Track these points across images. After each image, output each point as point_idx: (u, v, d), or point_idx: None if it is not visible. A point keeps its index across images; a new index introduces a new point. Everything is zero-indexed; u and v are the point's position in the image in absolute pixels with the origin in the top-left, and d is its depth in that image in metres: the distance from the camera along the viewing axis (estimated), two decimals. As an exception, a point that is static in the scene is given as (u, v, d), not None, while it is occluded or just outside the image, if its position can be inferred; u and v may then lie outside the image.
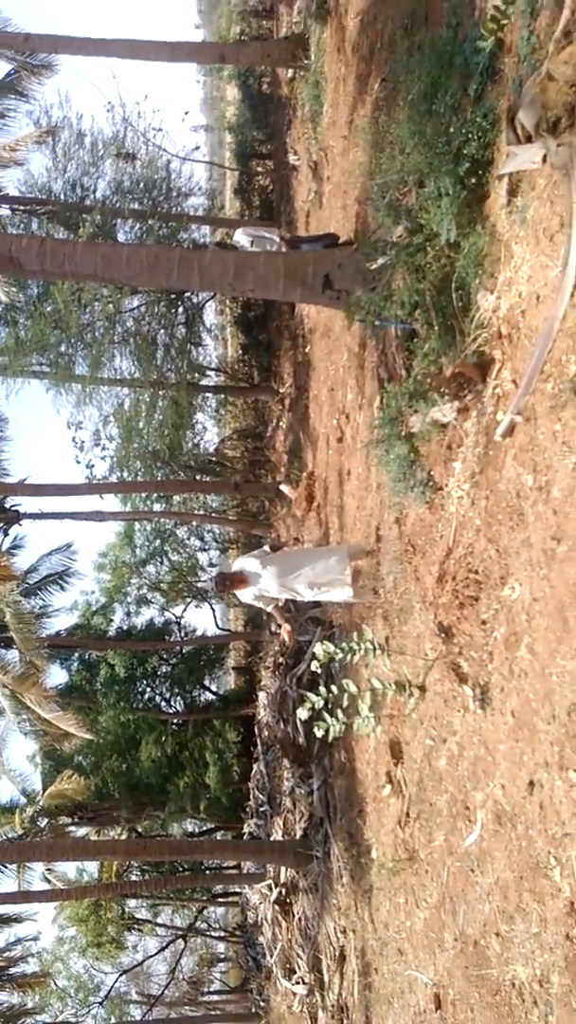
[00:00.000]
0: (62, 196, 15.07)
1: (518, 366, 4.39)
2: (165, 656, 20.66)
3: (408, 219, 5.41)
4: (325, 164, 11.65)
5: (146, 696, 20.18)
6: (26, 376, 14.38)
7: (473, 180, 4.78)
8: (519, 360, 4.39)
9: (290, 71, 15.50)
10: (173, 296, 14.96)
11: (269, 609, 7.40)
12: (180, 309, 15.06)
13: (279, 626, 7.62)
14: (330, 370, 10.52)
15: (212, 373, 18.41)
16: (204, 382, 17.37)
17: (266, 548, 7.67)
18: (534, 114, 4.00)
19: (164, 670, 20.61)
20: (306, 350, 12.71)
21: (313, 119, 12.75)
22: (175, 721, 19.81)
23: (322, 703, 5.11)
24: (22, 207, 15.14)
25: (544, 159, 4.08)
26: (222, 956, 29.30)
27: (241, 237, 9.95)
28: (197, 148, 18.49)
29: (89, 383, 14.23)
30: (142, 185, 15.35)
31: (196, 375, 16.29)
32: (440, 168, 4.82)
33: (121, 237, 14.54)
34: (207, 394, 17.79)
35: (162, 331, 14.84)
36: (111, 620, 21.29)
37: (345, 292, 5.99)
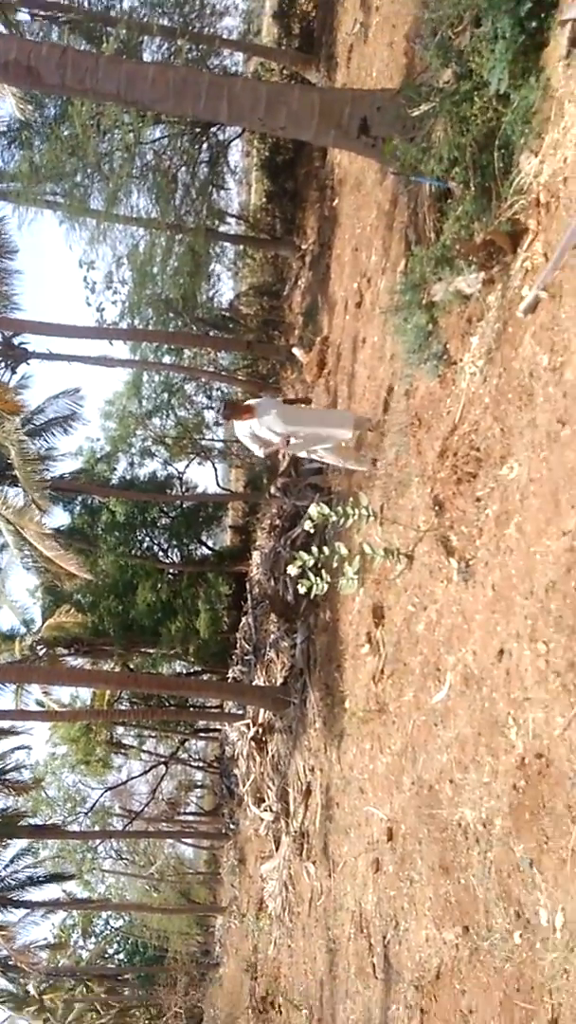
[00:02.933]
0: (86, 3, 13.72)
1: (551, 238, 4.20)
2: (165, 509, 21.07)
3: (458, 63, 4.97)
4: (376, -10, 10.53)
5: (144, 545, 20.74)
6: (39, 205, 13.69)
7: (534, 23, 4.35)
8: (553, 232, 4.20)
9: None
10: (198, 130, 13.99)
11: (261, 453, 7.25)
12: (204, 146, 14.11)
13: (276, 452, 7.35)
14: (356, 228, 10.03)
15: (232, 221, 17.53)
16: (223, 229, 16.58)
17: (279, 399, 7.58)
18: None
19: (163, 522, 21.07)
20: (333, 204, 12.04)
21: None
22: (171, 571, 20.49)
23: (312, 562, 5.29)
24: (42, 13, 13.82)
25: (615, 3, 3.71)
26: (199, 783, 31.97)
27: None
28: (236, -40, 16.58)
29: (104, 219, 13.57)
30: (173, -1, 13.95)
31: (216, 221, 15.51)
32: (500, 5, 4.38)
33: (147, 57, 13.38)
34: (225, 243, 17.02)
35: (183, 168, 13.98)
36: (114, 469, 21.52)
37: (382, 139, 5.61)
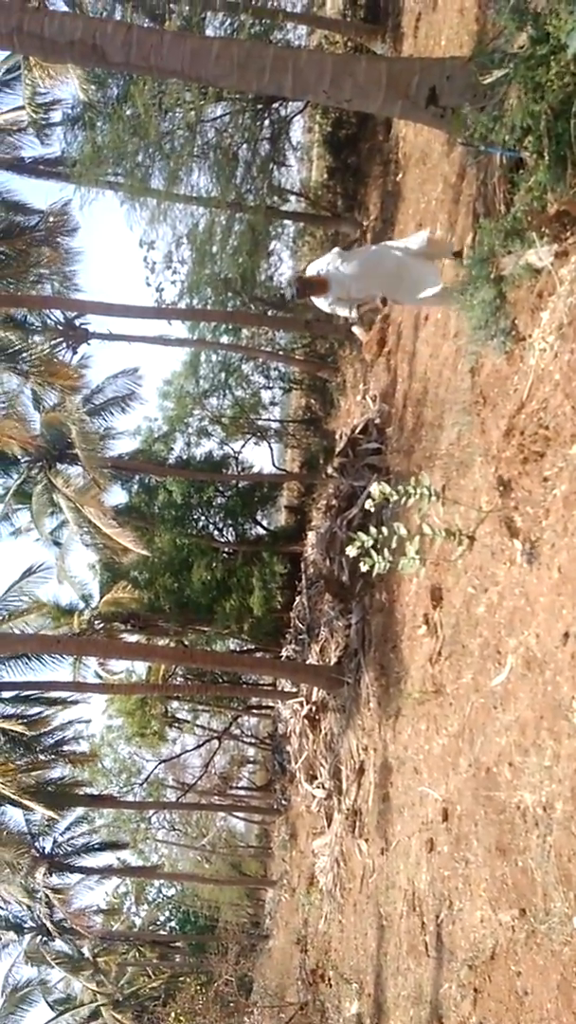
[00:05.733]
0: (149, -21, 13.69)
1: (630, 208, 4.04)
2: (221, 488, 21.23)
3: (534, 25, 4.78)
4: (445, -45, 10.21)
5: (200, 524, 20.97)
6: (101, 186, 13.82)
7: (617, -20, 4.16)
8: (633, 201, 4.03)
9: None
10: (260, 107, 13.87)
11: (351, 314, 6.51)
12: (266, 122, 13.99)
13: (362, 326, 6.70)
14: (421, 203, 9.83)
15: (293, 198, 17.38)
16: (284, 208, 16.46)
17: (338, 249, 6.96)
18: None
19: (219, 501, 21.25)
20: (397, 178, 11.81)
21: None
22: (226, 550, 20.69)
23: (371, 542, 5.26)
24: (106, -10, 13.86)
25: None
26: (251, 759, 32.43)
27: None
28: None
29: (165, 198, 13.63)
30: (237, -30, 13.80)
31: (276, 199, 15.41)
32: (580, -38, 4.20)
33: (210, 33, 13.31)
34: (286, 221, 16.92)
35: (245, 145, 13.90)
36: (171, 448, 21.75)
37: (451, 109, 5.45)
